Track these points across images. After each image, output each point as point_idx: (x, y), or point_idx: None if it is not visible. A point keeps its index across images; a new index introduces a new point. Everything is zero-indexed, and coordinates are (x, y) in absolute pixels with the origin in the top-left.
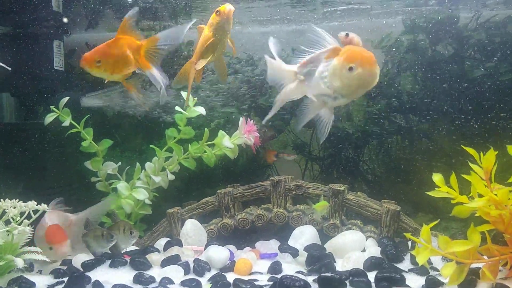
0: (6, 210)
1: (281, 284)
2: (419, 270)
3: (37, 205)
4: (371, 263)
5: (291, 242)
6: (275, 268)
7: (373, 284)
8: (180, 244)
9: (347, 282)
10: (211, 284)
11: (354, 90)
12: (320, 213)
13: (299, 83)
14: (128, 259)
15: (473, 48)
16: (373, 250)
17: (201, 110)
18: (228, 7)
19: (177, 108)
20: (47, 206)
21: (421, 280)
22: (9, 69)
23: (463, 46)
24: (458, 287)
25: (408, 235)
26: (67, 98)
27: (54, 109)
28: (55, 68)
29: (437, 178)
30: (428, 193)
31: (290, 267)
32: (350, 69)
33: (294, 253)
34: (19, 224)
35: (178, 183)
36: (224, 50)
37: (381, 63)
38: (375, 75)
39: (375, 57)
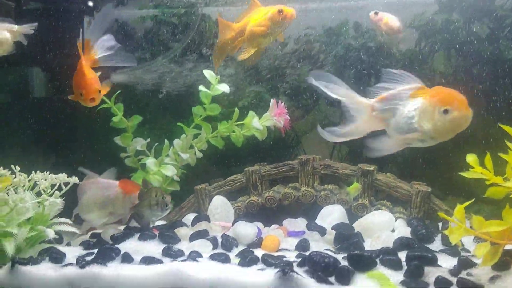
0: (37, 182)
1: (310, 260)
2: (450, 251)
3: (68, 178)
4: (401, 243)
5: (318, 221)
6: (303, 245)
7: (403, 263)
8: (208, 219)
9: (377, 260)
10: (239, 259)
11: (445, 133)
12: (352, 195)
13: (374, 118)
14: (156, 233)
15: (509, 28)
16: (403, 230)
17: (224, 88)
18: (292, 12)
19: (201, 87)
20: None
21: (452, 261)
22: (32, 30)
23: (499, 25)
24: (492, 268)
25: (441, 214)
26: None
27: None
28: None
29: (471, 158)
30: (462, 173)
31: (318, 245)
32: (445, 111)
33: (322, 231)
34: (50, 196)
35: (205, 161)
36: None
37: (413, 43)
38: (469, 119)
39: None
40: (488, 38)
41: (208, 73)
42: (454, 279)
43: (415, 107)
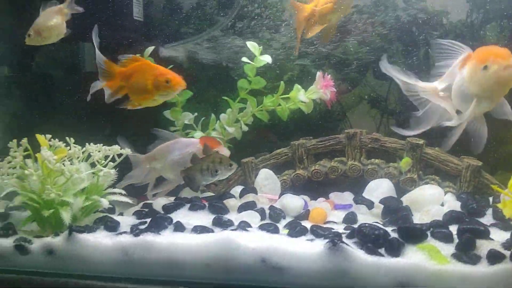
0: (91, 154)
1: (360, 232)
2: (502, 225)
3: (121, 149)
4: (451, 217)
5: (365, 195)
6: (350, 218)
7: (455, 236)
8: (255, 192)
9: (428, 233)
10: (288, 230)
11: (495, 90)
12: (403, 170)
13: (444, 100)
14: (206, 203)
15: None
16: (453, 204)
17: (267, 58)
18: None
19: (244, 59)
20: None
21: (505, 235)
22: (81, 9)
23: None
24: None
25: (495, 187)
26: (152, 47)
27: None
28: (134, 18)
29: None
30: None
31: (365, 218)
32: (485, 68)
33: (370, 205)
34: (104, 167)
35: (251, 135)
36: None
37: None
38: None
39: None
40: None
41: (251, 45)
42: (507, 253)
43: (463, 76)
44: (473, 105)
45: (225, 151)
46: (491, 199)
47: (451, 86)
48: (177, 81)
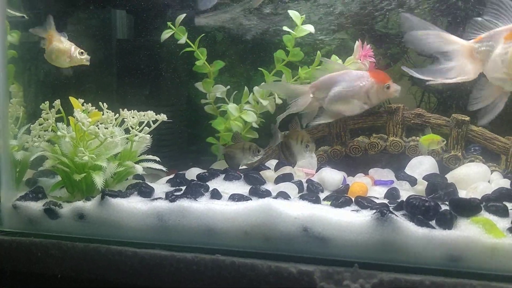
0: (125, 120)
1: (409, 203)
2: None
3: (156, 115)
4: (501, 194)
5: (407, 172)
6: (393, 193)
7: (510, 211)
8: (291, 165)
9: (481, 206)
10: (329, 202)
11: None
12: (426, 148)
13: (475, 61)
14: (241, 174)
15: None
16: (501, 182)
17: (310, 28)
18: None
19: (285, 27)
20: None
21: None
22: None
23: None
24: None
25: None
26: (184, 15)
27: (171, 25)
28: None
29: None
30: None
31: (408, 195)
32: None
33: (413, 181)
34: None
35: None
36: None
37: None
38: None
39: None
40: None
41: (293, 13)
42: None
43: (507, 51)
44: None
45: (395, 87)
46: None
47: (488, 50)
48: None
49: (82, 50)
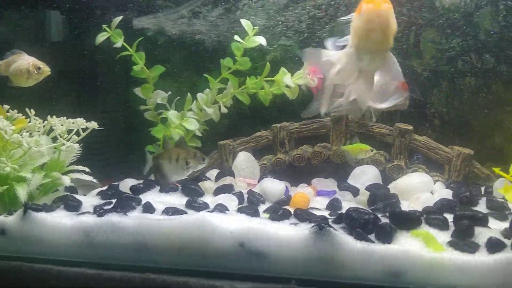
0: (53, 127)
1: (348, 216)
2: (497, 214)
3: (86, 123)
4: (442, 205)
5: (350, 182)
6: (334, 205)
7: (450, 223)
8: (232, 174)
9: (422, 219)
10: (268, 214)
11: (368, 34)
12: (354, 157)
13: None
14: (179, 186)
15: None
16: (444, 193)
17: (261, 40)
18: None
19: (236, 37)
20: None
21: (502, 224)
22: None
23: None
24: None
25: (497, 170)
26: (120, 17)
27: (106, 28)
28: None
29: None
30: None
31: (350, 206)
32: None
33: (355, 191)
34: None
35: (228, 120)
36: None
37: None
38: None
39: None
40: None
41: (245, 23)
42: (507, 241)
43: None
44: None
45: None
46: (482, 189)
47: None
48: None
49: (39, 66)
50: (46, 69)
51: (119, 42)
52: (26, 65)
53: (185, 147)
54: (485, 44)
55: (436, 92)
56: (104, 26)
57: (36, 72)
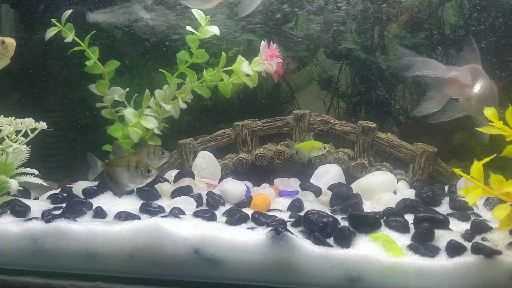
0: (0, 128)
1: (307, 219)
2: (459, 215)
3: (35, 123)
4: (405, 206)
5: (313, 181)
6: (296, 206)
7: (411, 226)
8: (192, 175)
9: (381, 221)
10: (226, 218)
11: None
12: (307, 155)
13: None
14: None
15: None
16: (406, 192)
17: (214, 30)
18: None
19: (188, 27)
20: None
21: (462, 226)
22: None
23: None
24: (509, 233)
25: (457, 170)
26: (70, 11)
27: (56, 22)
28: None
29: (490, 112)
30: (479, 129)
31: (312, 206)
32: None
33: (317, 191)
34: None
35: (190, 117)
36: None
37: None
38: None
39: None
40: None
41: (197, 13)
42: (468, 244)
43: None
44: None
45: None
46: (446, 188)
47: None
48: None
49: (3, 39)
50: (11, 41)
51: (70, 37)
52: None
53: (145, 147)
54: (449, 39)
55: (401, 88)
56: (53, 20)
57: (0, 48)
